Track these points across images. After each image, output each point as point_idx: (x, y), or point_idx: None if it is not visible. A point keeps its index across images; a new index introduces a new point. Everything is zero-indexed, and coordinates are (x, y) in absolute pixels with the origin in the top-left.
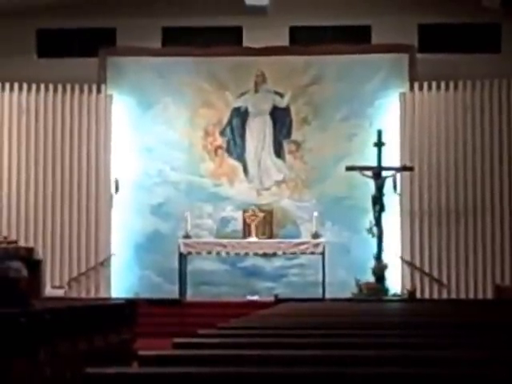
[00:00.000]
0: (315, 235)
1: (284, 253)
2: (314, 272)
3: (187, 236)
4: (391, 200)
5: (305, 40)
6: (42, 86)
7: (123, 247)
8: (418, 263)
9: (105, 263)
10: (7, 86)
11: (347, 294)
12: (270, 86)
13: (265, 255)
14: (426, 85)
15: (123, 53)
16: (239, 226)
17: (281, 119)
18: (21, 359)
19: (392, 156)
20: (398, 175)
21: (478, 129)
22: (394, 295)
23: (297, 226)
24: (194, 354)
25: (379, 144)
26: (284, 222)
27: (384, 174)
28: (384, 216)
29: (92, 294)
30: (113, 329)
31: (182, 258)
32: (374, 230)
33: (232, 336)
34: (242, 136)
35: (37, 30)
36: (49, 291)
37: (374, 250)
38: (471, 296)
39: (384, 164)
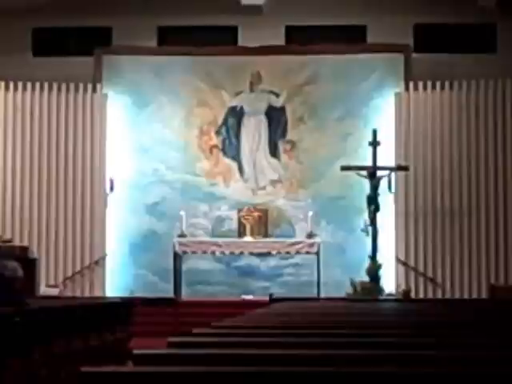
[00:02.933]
0: (310, 235)
1: (279, 252)
2: (309, 271)
3: (182, 235)
4: (386, 200)
5: (300, 39)
6: (38, 85)
7: (118, 246)
8: (412, 263)
9: (100, 262)
10: (2, 84)
11: (342, 294)
12: (265, 86)
13: (260, 255)
14: (421, 84)
15: (119, 52)
16: (234, 225)
17: (276, 119)
18: (16, 358)
19: (387, 156)
20: (393, 175)
21: (473, 129)
22: (389, 295)
23: (292, 226)
24: (189, 353)
25: (374, 143)
26: (279, 222)
27: (379, 173)
28: (379, 216)
29: (87, 293)
30: (108, 328)
31: (177, 257)
32: (369, 229)
33: (227, 335)
34: (238, 135)
35: (33, 28)
36: (43, 290)
37: (369, 249)
38: (466, 296)
39: (379, 164)
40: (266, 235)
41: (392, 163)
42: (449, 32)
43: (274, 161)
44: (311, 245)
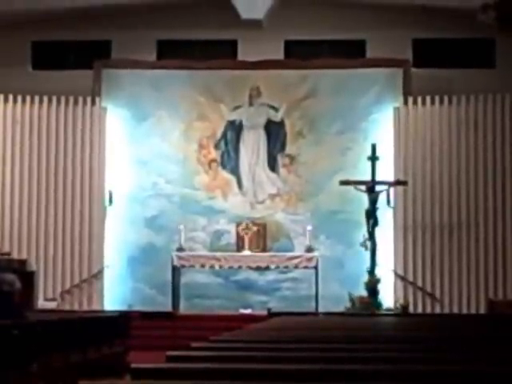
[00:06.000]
0: (309, 249)
1: (277, 266)
2: (308, 286)
3: (181, 249)
4: (385, 214)
5: (300, 54)
6: (37, 98)
7: (116, 259)
8: (411, 277)
9: (98, 275)
10: (2, 97)
11: (340, 308)
12: (264, 100)
13: (258, 269)
14: (420, 99)
15: (118, 65)
16: (233, 239)
17: (275, 133)
18: (14, 371)
19: (386, 170)
20: (392, 189)
21: (471, 143)
22: (387, 309)
23: (290, 240)
24: (187, 367)
25: (373, 158)
26: (278, 236)
27: (378, 188)
28: (377, 230)
29: (85, 307)
30: (106, 341)
31: (176, 270)
32: (368, 244)
33: (224, 349)
34: (236, 149)
35: (32, 41)
36: (41, 303)
37: (368, 264)
38: (464, 310)
39: (378, 178)
40: (264, 249)
41: (391, 177)
42: (448, 47)
43: (272, 175)
44: (310, 259)
